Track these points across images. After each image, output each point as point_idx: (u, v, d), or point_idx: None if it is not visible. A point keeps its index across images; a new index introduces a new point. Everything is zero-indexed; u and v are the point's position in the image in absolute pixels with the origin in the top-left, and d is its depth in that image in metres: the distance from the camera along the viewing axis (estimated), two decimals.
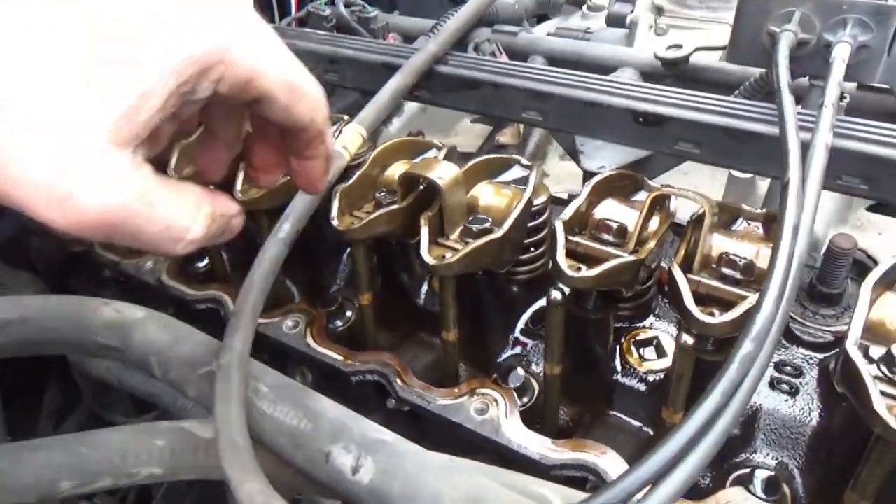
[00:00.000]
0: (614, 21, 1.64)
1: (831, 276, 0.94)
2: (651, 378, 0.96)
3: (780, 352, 0.95)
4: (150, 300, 1.08)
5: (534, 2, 1.89)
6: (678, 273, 0.76)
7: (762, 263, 0.77)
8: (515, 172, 1.04)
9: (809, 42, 1.00)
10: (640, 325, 1.04)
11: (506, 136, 1.73)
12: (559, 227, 0.85)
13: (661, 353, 0.98)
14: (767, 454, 0.88)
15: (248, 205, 1.08)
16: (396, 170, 1.05)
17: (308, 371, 1.13)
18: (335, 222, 0.95)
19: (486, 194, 1.00)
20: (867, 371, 0.64)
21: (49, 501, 0.84)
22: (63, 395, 1.59)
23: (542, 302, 1.09)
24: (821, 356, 0.93)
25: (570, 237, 0.88)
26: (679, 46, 1.27)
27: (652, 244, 0.84)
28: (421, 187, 0.99)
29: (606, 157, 1.25)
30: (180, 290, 1.19)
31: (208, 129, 0.64)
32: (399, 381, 0.98)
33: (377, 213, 0.95)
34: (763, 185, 1.44)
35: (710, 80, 1.31)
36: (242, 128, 0.65)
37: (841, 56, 0.91)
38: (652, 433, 0.96)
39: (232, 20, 0.50)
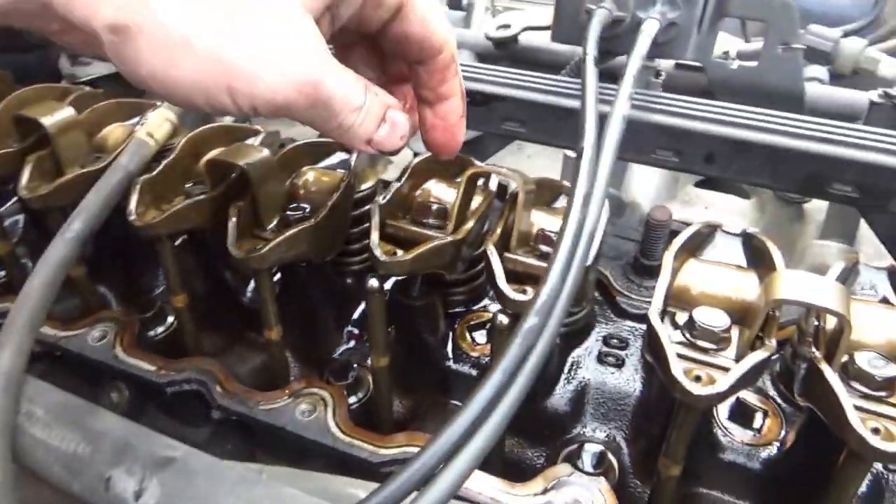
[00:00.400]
0: (452, 3, 1.62)
1: (651, 248, 0.96)
2: (484, 361, 0.93)
3: (607, 325, 0.96)
4: None
5: None
6: (491, 251, 0.74)
7: None
8: (340, 157, 0.99)
9: (624, 19, 1.02)
10: (479, 308, 1.02)
11: None
12: (375, 210, 0.81)
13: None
14: (596, 428, 0.88)
15: (36, 202, 0.95)
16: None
17: (125, 386, 1.02)
18: (132, 217, 0.86)
19: (307, 181, 0.94)
20: (666, 337, 0.64)
21: None
22: None
23: None
24: (644, 327, 0.94)
25: (392, 221, 0.84)
26: (508, 26, 1.26)
27: (471, 224, 0.81)
28: (233, 176, 0.91)
29: None
30: None
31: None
32: (219, 388, 0.89)
33: (180, 206, 0.87)
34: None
35: (542, 61, 1.31)
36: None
37: (648, 31, 0.92)
38: None
39: None
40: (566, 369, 0.90)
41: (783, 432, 0.81)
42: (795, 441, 0.77)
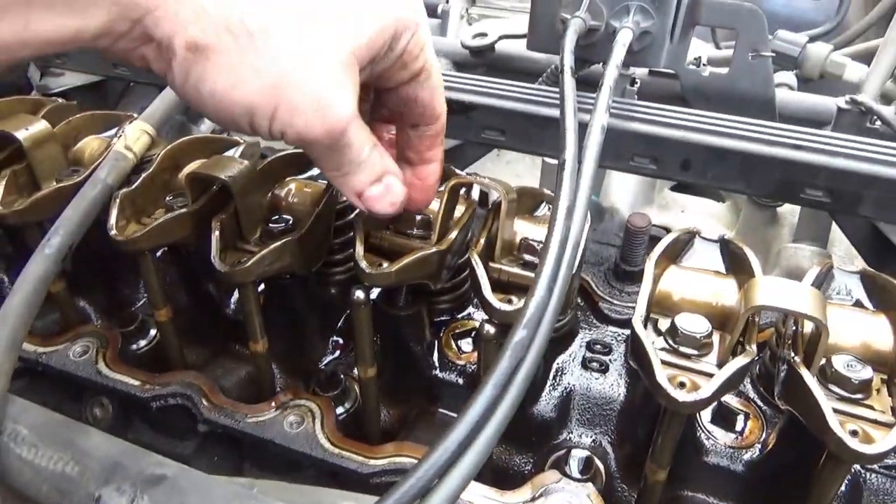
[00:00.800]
0: (427, 11, 1.62)
1: (631, 254, 0.97)
2: (470, 370, 0.94)
3: (591, 331, 0.98)
4: None
5: None
6: (475, 261, 0.75)
7: None
8: None
9: (599, 29, 1.03)
10: (464, 316, 1.03)
11: None
12: (359, 222, 0.81)
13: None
14: (582, 433, 0.90)
15: (13, 217, 0.94)
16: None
17: (109, 402, 1.01)
18: (113, 231, 0.85)
19: (290, 192, 0.94)
20: (650, 344, 0.66)
21: None
22: None
23: None
24: (627, 332, 0.96)
25: (376, 233, 0.85)
26: (484, 35, 1.27)
27: (454, 234, 0.82)
28: (214, 189, 0.90)
29: None
30: None
31: None
32: (205, 402, 0.89)
33: (162, 220, 0.86)
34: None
35: (519, 69, 1.33)
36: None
37: (622, 41, 0.94)
38: None
39: (419, 3, 0.62)
40: (551, 375, 0.92)
41: (764, 434, 0.83)
42: (776, 443, 0.79)
